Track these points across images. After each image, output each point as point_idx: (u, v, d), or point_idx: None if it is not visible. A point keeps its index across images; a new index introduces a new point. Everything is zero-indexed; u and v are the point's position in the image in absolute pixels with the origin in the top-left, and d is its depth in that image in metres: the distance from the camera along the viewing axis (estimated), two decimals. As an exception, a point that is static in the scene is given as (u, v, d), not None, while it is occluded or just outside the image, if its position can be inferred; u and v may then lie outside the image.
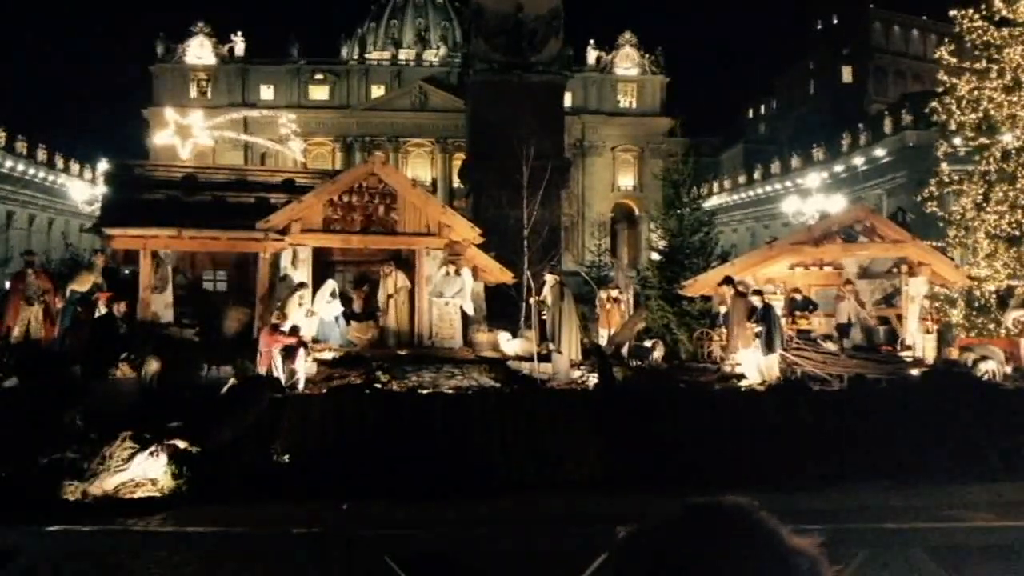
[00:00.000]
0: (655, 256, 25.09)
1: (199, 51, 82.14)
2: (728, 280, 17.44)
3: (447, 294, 19.05)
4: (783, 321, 17.66)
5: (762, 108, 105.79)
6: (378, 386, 15.23)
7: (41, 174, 71.56)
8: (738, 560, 1.11)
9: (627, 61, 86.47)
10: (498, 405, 14.53)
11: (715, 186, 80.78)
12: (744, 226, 79.17)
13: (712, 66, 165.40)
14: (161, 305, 18.31)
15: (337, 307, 18.74)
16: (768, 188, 75.30)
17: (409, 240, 19.34)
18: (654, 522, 1.19)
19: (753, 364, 16.04)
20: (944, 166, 26.00)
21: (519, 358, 18.22)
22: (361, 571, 4.75)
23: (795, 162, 73.09)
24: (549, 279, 17.28)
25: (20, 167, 69.00)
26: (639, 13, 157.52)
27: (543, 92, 30.14)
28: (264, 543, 4.72)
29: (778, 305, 18.70)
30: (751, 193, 78.66)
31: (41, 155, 72.34)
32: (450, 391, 15.30)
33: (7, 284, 29.44)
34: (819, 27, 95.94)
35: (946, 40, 26.64)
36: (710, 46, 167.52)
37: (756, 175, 79.16)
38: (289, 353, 15.25)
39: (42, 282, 17.86)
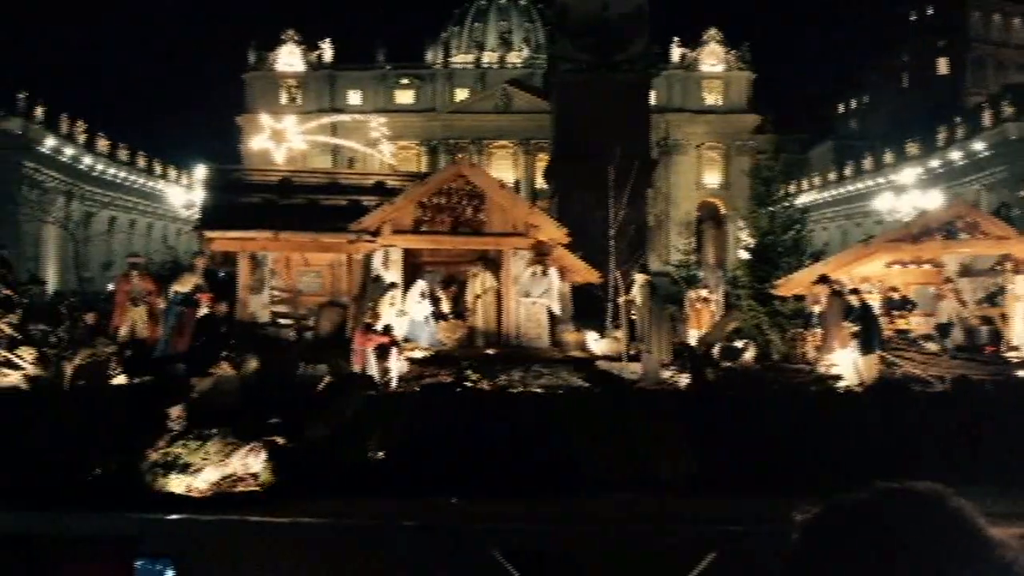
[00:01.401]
0: (744, 255, 24.63)
1: (289, 58, 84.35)
2: (824, 279, 17.04)
3: (534, 294, 19.12)
4: (881, 321, 17.19)
5: (852, 103, 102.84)
6: (468, 385, 15.37)
7: (141, 180, 74.65)
8: (936, 546, 1.07)
9: (712, 58, 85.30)
10: (589, 405, 14.50)
11: (804, 183, 78.99)
12: (835, 224, 77.28)
13: (800, 61, 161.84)
14: (258, 305, 18.84)
15: (427, 307, 18.99)
16: (860, 185, 73.31)
17: (497, 240, 19.48)
18: (844, 503, 1.16)
19: (850, 365, 15.63)
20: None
21: (607, 358, 18.16)
22: (468, 564, 4.82)
23: (888, 158, 70.97)
24: (638, 278, 17.16)
25: (122, 174, 72.07)
26: (724, 8, 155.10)
27: (629, 91, 30.00)
28: (373, 535, 4.82)
29: (874, 304, 18.20)
30: (842, 190, 76.70)
31: (141, 162, 75.43)
32: (539, 390, 15.35)
33: (110, 286, 30.77)
34: (913, 18, 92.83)
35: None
36: (798, 40, 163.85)
37: (847, 172, 77.19)
38: (382, 352, 15.53)
39: (146, 284, 18.54)
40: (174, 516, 4.97)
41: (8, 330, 15.36)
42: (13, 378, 14.94)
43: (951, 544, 1.08)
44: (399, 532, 4.88)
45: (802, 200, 64.43)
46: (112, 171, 70.46)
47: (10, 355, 15.12)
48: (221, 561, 5.02)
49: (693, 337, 20.69)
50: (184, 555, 4.44)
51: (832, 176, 79.63)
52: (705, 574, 4.56)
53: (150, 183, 74.71)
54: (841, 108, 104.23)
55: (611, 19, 29.95)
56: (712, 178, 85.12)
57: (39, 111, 61.76)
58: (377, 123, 37.00)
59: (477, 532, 4.87)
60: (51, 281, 53.69)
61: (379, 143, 36.58)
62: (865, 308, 16.05)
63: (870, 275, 19.76)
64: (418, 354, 17.55)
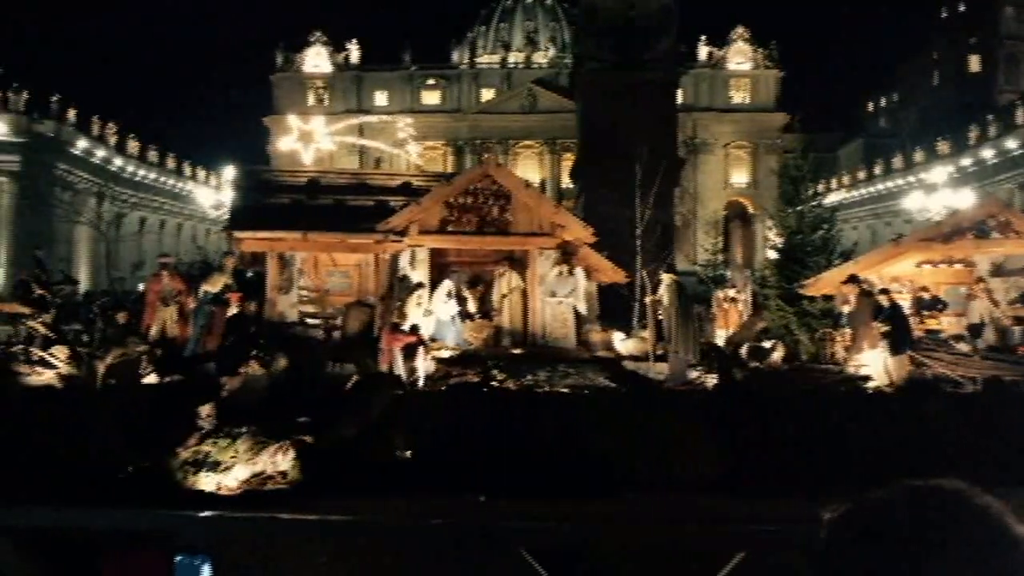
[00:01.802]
0: (773, 255, 24.52)
1: (316, 60, 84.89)
2: (853, 278, 16.89)
3: (560, 293, 19.14)
4: (911, 321, 17.04)
5: (882, 101, 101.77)
6: (495, 384, 15.41)
7: (171, 181, 75.43)
8: (962, 543, 1.07)
9: (739, 56, 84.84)
10: (615, 405, 14.48)
11: (833, 182, 78.36)
12: (864, 224, 76.53)
13: (829, 59, 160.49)
14: (287, 305, 19.01)
15: (453, 307, 19.05)
16: (889, 184, 72.57)
17: (522, 240, 19.52)
18: (870, 501, 1.17)
19: (880, 365, 15.49)
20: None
21: (633, 358, 18.12)
22: (495, 563, 4.85)
23: (918, 156, 70.20)
24: (665, 278, 17.11)
25: (152, 175, 72.86)
26: (751, 7, 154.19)
27: (655, 90, 29.91)
28: (400, 533, 4.86)
29: (905, 304, 18.03)
30: (871, 189, 75.97)
31: (170, 163, 76.23)
32: (565, 390, 15.34)
33: (140, 286, 31.14)
34: (943, 15, 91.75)
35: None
36: (826, 38, 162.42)
37: (876, 170, 76.43)
38: (409, 351, 15.60)
39: (176, 284, 18.72)
40: (206, 513, 5.05)
41: (42, 329, 15.60)
42: (47, 376, 15.18)
43: (977, 541, 1.08)
44: (426, 529, 4.92)
45: (831, 199, 63.85)
46: (142, 172, 71.27)
47: (44, 354, 15.36)
48: (251, 557, 5.09)
49: (721, 337, 20.59)
50: (217, 551, 4.51)
51: (861, 175, 78.88)
52: (733, 574, 4.56)
53: (179, 184, 75.47)
54: (871, 106, 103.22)
55: (637, 18, 29.88)
56: (740, 177, 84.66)
57: (71, 113, 62.59)
58: (404, 124, 37.20)
59: (504, 531, 4.89)
60: (83, 281, 54.32)
61: (406, 143, 36.77)
62: (895, 308, 15.89)
63: (900, 275, 19.56)
64: (445, 354, 17.61)
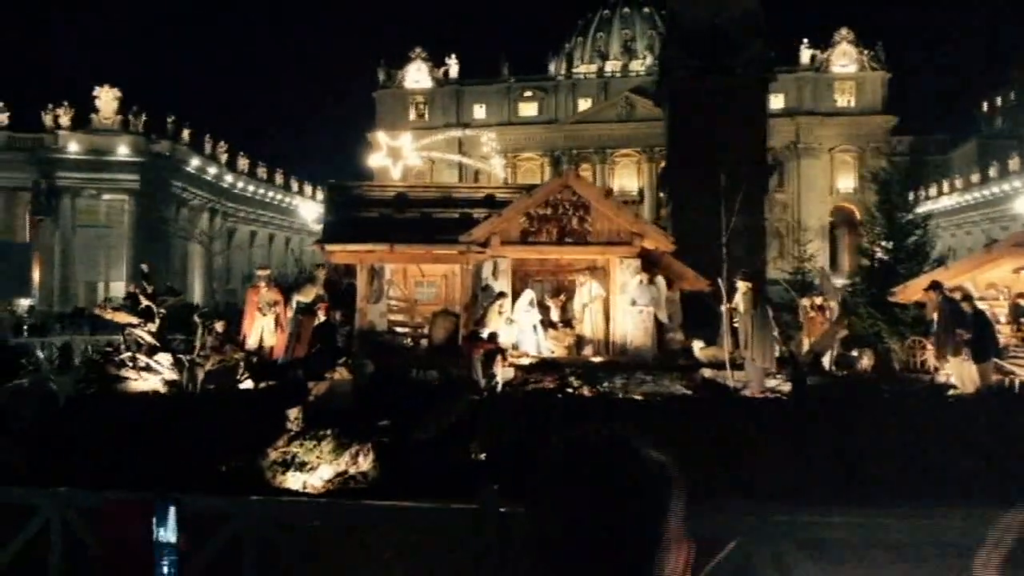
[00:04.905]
0: (864, 261, 24.00)
1: (416, 75, 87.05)
2: (935, 285, 16.49)
3: (641, 302, 19.31)
4: (1003, 328, 16.55)
5: (999, 100, 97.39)
6: (569, 391, 15.72)
7: (278, 196, 78.43)
8: (599, 467, 1.46)
9: (844, 58, 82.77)
10: (688, 412, 14.58)
11: (945, 186, 75.49)
12: (979, 228, 73.38)
13: (942, 57, 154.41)
14: (376, 314, 19.77)
15: (535, 316, 19.45)
16: (1006, 186, 69.48)
17: (602, 250, 19.78)
18: (559, 442, 1.55)
19: (964, 373, 15.12)
20: None
21: (712, 366, 18.12)
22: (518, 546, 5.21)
23: (1037, 157, 67.00)
24: (741, 285, 17.05)
25: (261, 191, 75.92)
26: (857, 6, 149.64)
27: (743, 95, 29.63)
28: (424, 516, 5.27)
29: (1002, 311, 17.50)
30: (986, 192, 72.83)
31: (278, 179, 79.26)
32: (639, 397, 15.53)
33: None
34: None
35: None
36: (938, 36, 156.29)
37: (991, 172, 73.23)
38: (488, 358, 16.07)
39: (273, 294, 19.71)
40: (255, 497, 5.60)
41: (148, 338, 16.73)
42: (152, 382, 16.29)
43: (606, 464, 1.47)
44: (448, 513, 5.33)
45: (942, 203, 61.59)
46: (251, 188, 74.37)
47: (150, 361, 16.48)
48: (319, 548, 5.60)
49: (807, 345, 20.33)
50: (287, 541, 5.04)
51: (975, 177, 75.71)
52: (729, 563, 4.80)
53: (287, 199, 78.42)
54: (985, 106, 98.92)
55: (723, 24, 29.69)
56: (846, 182, 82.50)
57: (185, 133, 65.83)
58: (487, 137, 37.91)
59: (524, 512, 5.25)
60: (196, 293, 57.00)
61: (490, 157, 37.46)
62: (978, 315, 15.48)
63: (997, 281, 18.98)
64: (525, 361, 18.01)
